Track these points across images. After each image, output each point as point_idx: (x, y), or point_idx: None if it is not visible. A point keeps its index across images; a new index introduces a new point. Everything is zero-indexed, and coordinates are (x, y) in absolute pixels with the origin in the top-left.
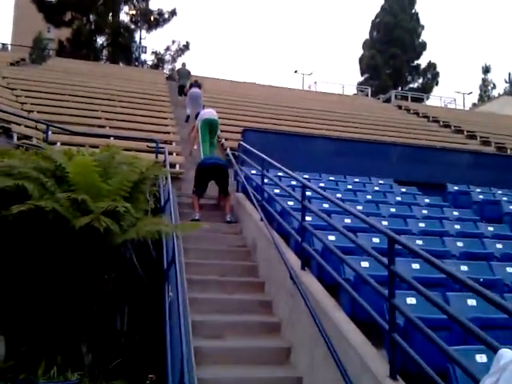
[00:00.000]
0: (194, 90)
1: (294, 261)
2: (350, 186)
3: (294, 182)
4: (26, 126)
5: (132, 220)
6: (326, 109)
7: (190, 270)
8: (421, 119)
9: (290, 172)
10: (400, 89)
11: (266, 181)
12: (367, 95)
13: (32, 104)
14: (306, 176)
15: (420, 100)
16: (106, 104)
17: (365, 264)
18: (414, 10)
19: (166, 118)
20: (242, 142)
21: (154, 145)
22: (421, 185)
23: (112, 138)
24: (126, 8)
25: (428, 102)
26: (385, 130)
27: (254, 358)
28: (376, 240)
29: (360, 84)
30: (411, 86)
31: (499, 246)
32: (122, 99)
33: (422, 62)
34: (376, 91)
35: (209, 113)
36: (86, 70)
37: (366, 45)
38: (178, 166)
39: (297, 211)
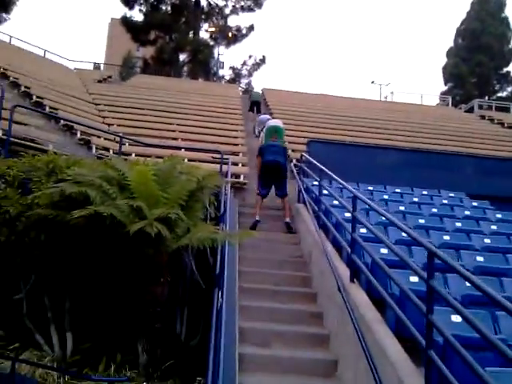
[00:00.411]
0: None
1: (344, 272)
2: (415, 199)
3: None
4: (105, 139)
5: (185, 227)
6: (400, 119)
7: (246, 278)
8: (506, 130)
9: (342, 182)
10: (487, 98)
11: (325, 192)
12: (448, 105)
13: (113, 118)
14: (370, 188)
15: (507, 110)
16: (180, 118)
17: (414, 279)
18: (503, 15)
19: (237, 131)
20: (303, 153)
21: (218, 155)
22: (496, 199)
23: (183, 150)
24: (205, 25)
25: None
26: (463, 140)
27: (299, 368)
28: None
29: (443, 94)
30: (499, 94)
31: None
32: (197, 113)
33: None
34: (461, 101)
35: (273, 121)
36: (167, 85)
37: (451, 53)
38: (242, 177)
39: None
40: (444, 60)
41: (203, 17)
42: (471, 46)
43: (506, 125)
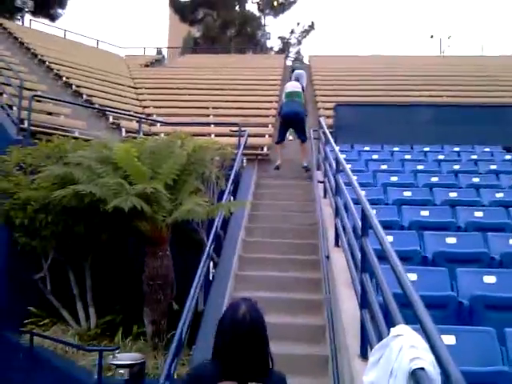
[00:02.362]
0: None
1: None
2: (474, 156)
3: (375, 156)
4: (137, 122)
5: (172, 201)
6: (453, 73)
7: (252, 248)
8: None
9: (332, 142)
10: None
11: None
12: None
13: (151, 100)
14: (396, 148)
15: None
16: (216, 94)
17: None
18: None
19: (271, 102)
20: (320, 119)
21: (236, 128)
22: None
23: (212, 126)
24: None
25: None
26: None
27: (292, 335)
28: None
29: None
30: None
31: None
32: (234, 87)
33: None
34: None
35: (289, 84)
36: (211, 63)
37: None
38: (265, 148)
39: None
40: None
41: None
42: None
43: None
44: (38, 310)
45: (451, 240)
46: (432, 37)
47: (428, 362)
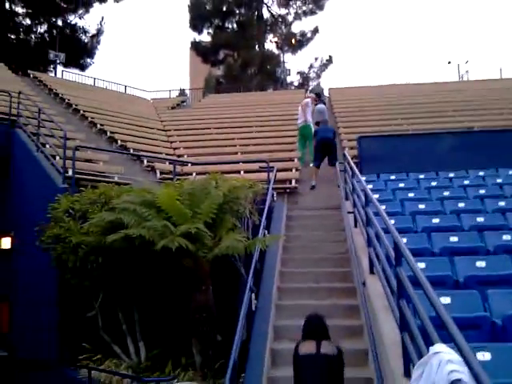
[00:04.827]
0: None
1: (366, 267)
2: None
3: (401, 185)
4: (170, 163)
5: (209, 239)
6: (469, 99)
7: (288, 278)
8: None
9: (358, 174)
10: None
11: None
12: None
13: (180, 142)
14: (421, 176)
15: None
16: (242, 131)
17: (422, 265)
18: None
19: (295, 136)
20: (345, 152)
21: (265, 165)
22: None
23: (241, 164)
24: (270, 36)
25: None
26: None
27: None
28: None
29: None
30: None
31: None
32: (258, 124)
33: None
34: None
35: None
36: (234, 101)
37: None
38: (293, 182)
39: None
40: None
41: (268, 28)
42: None
43: None
44: (91, 346)
45: (481, 264)
46: (450, 62)
47: (464, 373)
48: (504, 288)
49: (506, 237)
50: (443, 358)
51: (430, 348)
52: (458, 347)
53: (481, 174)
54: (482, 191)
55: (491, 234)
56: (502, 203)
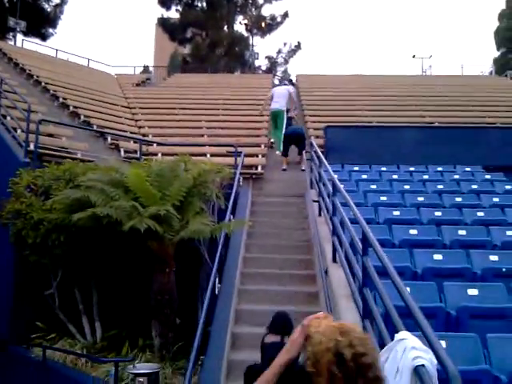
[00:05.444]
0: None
1: (329, 255)
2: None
3: (364, 176)
4: (134, 142)
5: (180, 221)
6: (430, 94)
7: (251, 263)
8: None
9: (326, 164)
10: None
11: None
12: (491, 74)
13: (145, 120)
14: (384, 168)
15: None
16: (209, 114)
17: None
18: None
19: (262, 122)
20: (312, 141)
21: (232, 149)
22: None
23: (207, 147)
24: (240, 18)
25: None
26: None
27: None
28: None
29: (496, 60)
30: None
31: None
32: (225, 107)
33: None
34: None
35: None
36: (201, 82)
37: (503, 15)
38: (259, 167)
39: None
40: (495, 24)
41: (237, 10)
42: None
43: None
44: (45, 326)
45: (438, 257)
46: (414, 56)
47: (427, 360)
48: (458, 281)
49: (461, 232)
50: (408, 344)
51: (395, 335)
52: (425, 335)
53: (439, 169)
54: (440, 186)
55: (448, 229)
56: (458, 199)
